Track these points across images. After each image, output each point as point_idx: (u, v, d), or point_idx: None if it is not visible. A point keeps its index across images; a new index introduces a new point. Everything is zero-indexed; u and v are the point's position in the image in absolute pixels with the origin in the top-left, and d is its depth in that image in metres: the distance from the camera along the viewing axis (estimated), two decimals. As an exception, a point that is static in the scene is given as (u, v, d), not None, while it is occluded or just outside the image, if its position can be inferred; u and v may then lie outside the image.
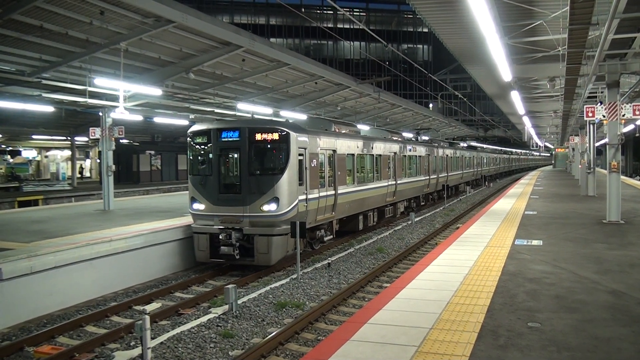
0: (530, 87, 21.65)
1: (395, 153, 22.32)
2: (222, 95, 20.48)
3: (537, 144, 68.32)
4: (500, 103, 33.21)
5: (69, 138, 38.13)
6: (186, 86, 18.28)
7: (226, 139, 13.47)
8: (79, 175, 48.31)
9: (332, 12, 79.82)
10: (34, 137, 39.82)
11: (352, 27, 77.40)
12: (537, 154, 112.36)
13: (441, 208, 28.01)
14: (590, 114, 14.87)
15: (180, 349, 8.07)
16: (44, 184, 40.16)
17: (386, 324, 6.29)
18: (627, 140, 43.42)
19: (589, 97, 19.22)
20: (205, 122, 14.84)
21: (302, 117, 21.56)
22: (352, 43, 76.84)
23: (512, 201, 21.76)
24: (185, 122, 24.71)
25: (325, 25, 75.80)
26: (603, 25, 9.39)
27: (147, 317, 7.09)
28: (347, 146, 17.06)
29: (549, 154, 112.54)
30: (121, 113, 15.80)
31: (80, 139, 39.45)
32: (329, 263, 13.76)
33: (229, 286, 9.94)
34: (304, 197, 13.74)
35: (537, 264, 9.36)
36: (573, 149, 43.45)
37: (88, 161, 52.52)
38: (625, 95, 17.13)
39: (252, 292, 11.08)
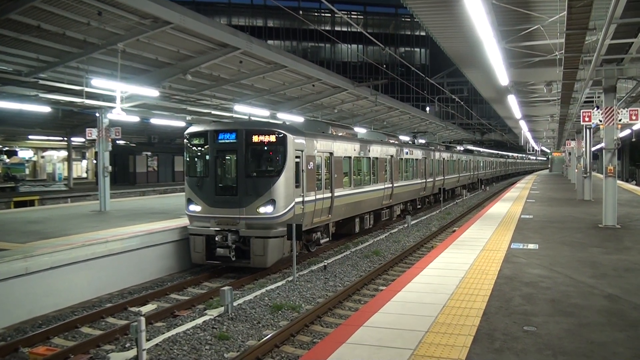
0: (527, 91, 21.69)
1: (392, 156, 22.34)
2: (219, 97, 20.46)
3: (533, 148, 68.44)
4: (497, 107, 33.28)
5: (65, 138, 38.05)
6: (183, 87, 18.26)
7: (223, 141, 13.46)
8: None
9: (329, 14, 79.90)
10: (30, 137, 39.71)
11: (349, 30, 77.52)
12: (534, 158, 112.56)
13: (437, 211, 28.05)
14: (586, 119, 14.94)
15: (175, 350, 8.05)
16: (40, 185, 40.03)
17: (382, 326, 6.29)
18: (624, 144, 43.61)
19: (585, 102, 19.27)
20: (202, 124, 14.83)
21: (299, 119, 21.57)
22: (349, 46, 76.86)
23: (509, 205, 21.79)
24: (182, 124, 24.67)
25: (322, 27, 75.91)
26: (600, 30, 9.42)
27: (143, 319, 7.07)
28: (344, 149, 17.07)
29: (545, 158, 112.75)
30: (118, 114, 15.78)
31: (77, 140, 39.38)
32: (325, 265, 13.76)
33: (225, 288, 9.92)
34: (300, 199, 13.73)
35: (533, 267, 9.37)
36: (569, 153, 43.57)
37: (84, 162, 52.42)
38: (622, 100, 17.17)
39: (248, 294, 11.07)
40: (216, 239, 13.10)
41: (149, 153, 42.79)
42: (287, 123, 15.87)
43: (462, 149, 46.09)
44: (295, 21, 73.13)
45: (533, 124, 37.30)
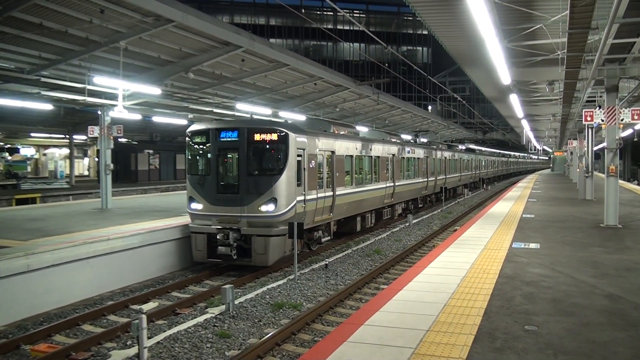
0: (529, 90, 21.67)
1: (393, 155, 22.33)
2: (221, 95, 20.47)
3: (535, 147, 68.37)
4: (499, 106, 33.25)
5: (67, 136, 38.08)
6: (185, 86, 18.27)
7: (225, 139, 13.47)
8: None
9: (332, 13, 79.79)
10: (32, 135, 39.77)
11: (352, 28, 77.41)
12: (536, 157, 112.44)
13: (439, 210, 28.02)
14: (588, 118, 14.90)
15: (176, 348, 8.06)
16: (41, 182, 40.09)
17: (383, 325, 6.29)
18: (625, 144, 43.54)
19: (587, 101, 19.26)
20: (204, 122, 14.83)
21: (301, 117, 21.56)
22: (351, 44, 76.85)
23: (510, 204, 21.77)
24: (184, 122, 24.68)
25: (325, 26, 75.81)
26: (602, 29, 9.41)
27: (144, 317, 7.08)
28: (345, 147, 17.06)
29: (547, 158, 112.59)
30: (120, 112, 15.78)
31: (79, 137, 39.41)
32: (326, 264, 13.76)
33: (226, 286, 9.93)
34: (302, 198, 13.73)
35: (534, 267, 9.37)
36: (571, 153, 43.50)
37: (86, 159, 52.46)
38: (624, 100, 17.16)
39: (249, 293, 11.07)
40: (218, 237, 13.12)
41: (150, 151, 42.81)
42: (289, 121, 15.87)
43: (463, 148, 46.04)
44: (297, 19, 73.06)
45: (535, 123, 37.28)
